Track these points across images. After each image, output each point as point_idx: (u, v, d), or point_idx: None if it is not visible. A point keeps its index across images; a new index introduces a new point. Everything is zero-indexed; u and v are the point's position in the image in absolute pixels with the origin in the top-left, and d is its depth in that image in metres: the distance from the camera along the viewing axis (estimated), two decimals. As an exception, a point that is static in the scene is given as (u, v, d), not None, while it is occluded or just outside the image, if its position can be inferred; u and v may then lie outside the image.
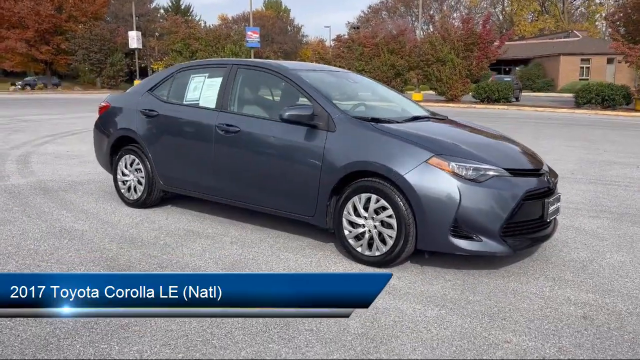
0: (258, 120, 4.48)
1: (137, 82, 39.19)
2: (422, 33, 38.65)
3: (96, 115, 5.91)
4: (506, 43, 30.64)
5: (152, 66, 45.08)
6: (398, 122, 4.16)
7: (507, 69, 48.17)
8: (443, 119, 4.76)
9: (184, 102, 5.04)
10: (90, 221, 4.94)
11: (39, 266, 3.77)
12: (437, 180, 3.54)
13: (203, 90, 4.95)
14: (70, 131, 13.10)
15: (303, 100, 4.36)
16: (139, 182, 5.36)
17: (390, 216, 3.68)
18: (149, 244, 4.33)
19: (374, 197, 3.74)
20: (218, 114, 4.66)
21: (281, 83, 4.67)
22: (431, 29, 36.33)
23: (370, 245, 3.83)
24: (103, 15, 47.16)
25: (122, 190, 5.53)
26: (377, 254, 3.78)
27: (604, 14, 46.20)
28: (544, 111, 24.74)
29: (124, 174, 5.48)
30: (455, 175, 3.54)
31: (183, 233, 4.64)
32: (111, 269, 3.76)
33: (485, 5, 74.58)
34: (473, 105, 27.01)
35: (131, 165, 5.40)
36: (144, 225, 4.87)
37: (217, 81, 4.85)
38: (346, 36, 33.26)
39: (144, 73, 46.34)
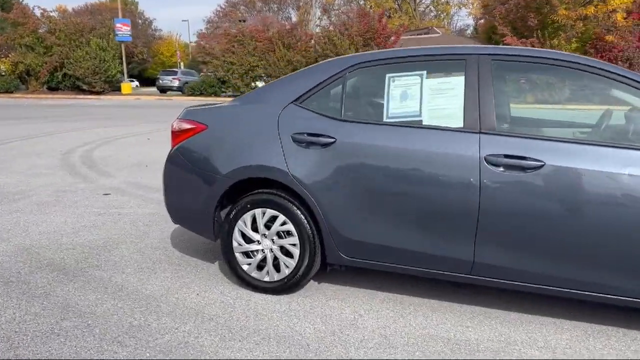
0: (582, 147, 2.67)
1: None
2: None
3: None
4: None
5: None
6: None
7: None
8: None
9: (387, 120, 3.03)
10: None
11: None
12: None
13: (424, 98, 2.99)
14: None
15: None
16: (287, 253, 3.22)
17: None
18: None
19: None
20: (480, 139, 2.77)
21: (595, 82, 2.88)
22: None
23: None
24: None
25: (245, 267, 3.33)
26: None
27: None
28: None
29: (248, 240, 3.29)
30: None
31: None
32: None
33: (341, 3, 75.76)
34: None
35: (268, 226, 3.23)
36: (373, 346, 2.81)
37: (452, 83, 2.95)
38: (234, 30, 30.81)
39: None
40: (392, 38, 27.98)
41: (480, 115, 2.81)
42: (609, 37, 22.52)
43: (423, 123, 2.95)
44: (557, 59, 2.84)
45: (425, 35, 54.31)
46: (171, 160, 3.53)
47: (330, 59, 3.44)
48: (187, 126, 3.46)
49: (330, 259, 3.17)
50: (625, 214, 2.53)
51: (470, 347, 2.68)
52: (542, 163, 2.64)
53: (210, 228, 3.43)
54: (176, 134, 3.52)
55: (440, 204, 2.82)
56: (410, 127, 2.95)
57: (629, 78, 2.68)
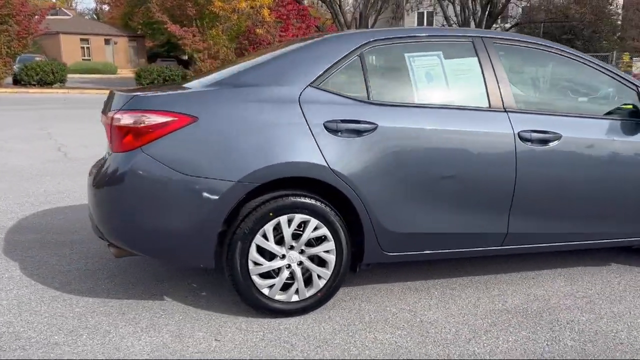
0: (582, 119, 3.12)
1: None
2: None
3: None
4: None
5: None
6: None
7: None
8: None
9: (420, 102, 2.89)
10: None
11: None
12: None
13: (449, 79, 2.97)
14: None
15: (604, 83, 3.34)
16: (321, 262, 2.77)
17: None
18: None
19: None
20: (508, 116, 2.96)
21: (569, 65, 3.29)
22: None
23: None
24: None
25: (267, 291, 2.71)
26: None
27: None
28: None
29: (270, 257, 2.68)
30: None
31: None
32: None
33: None
34: (26, 90, 22.68)
35: (295, 236, 2.69)
36: None
37: (468, 64, 3.03)
38: None
39: None
40: (37, 17, 24.45)
41: (501, 94, 2.96)
42: (259, 31, 24.92)
43: (454, 104, 2.93)
44: (545, 44, 3.21)
45: (55, 17, 49.22)
46: (137, 167, 2.50)
47: (331, 35, 3.01)
48: (162, 119, 2.50)
49: (369, 258, 2.85)
50: (620, 171, 3.11)
51: (547, 314, 2.86)
52: (560, 135, 2.99)
53: (210, 252, 2.61)
54: (138, 131, 2.51)
55: (485, 182, 2.89)
56: (447, 108, 2.88)
57: (596, 64, 3.25)
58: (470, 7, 29.77)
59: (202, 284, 3.14)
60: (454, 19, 30.43)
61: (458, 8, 29.97)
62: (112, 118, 2.57)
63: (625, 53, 27.95)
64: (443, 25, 31.50)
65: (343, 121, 2.67)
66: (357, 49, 2.83)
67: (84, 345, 2.44)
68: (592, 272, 3.45)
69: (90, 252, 3.65)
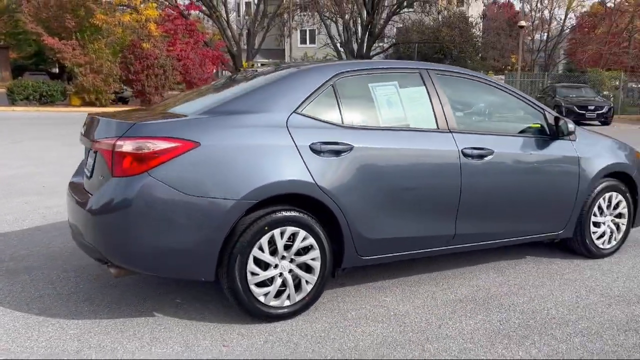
0: (507, 137, 3.77)
1: None
2: None
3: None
4: None
5: None
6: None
7: None
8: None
9: (383, 125, 3.35)
10: None
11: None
12: None
13: (405, 105, 3.47)
14: None
15: (518, 108, 4.03)
16: (308, 268, 3.11)
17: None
18: None
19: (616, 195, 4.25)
20: (452, 136, 3.52)
21: (492, 92, 3.91)
22: None
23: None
24: None
25: (263, 299, 2.98)
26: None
27: None
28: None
29: (265, 267, 2.98)
30: None
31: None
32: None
33: None
34: None
35: (286, 247, 3.02)
36: None
37: (418, 92, 3.54)
38: None
39: None
40: None
41: (446, 118, 3.52)
42: (145, 45, 24.29)
43: (410, 126, 3.42)
44: (473, 75, 3.83)
45: None
46: (145, 190, 2.67)
47: (306, 67, 3.34)
48: (166, 145, 2.71)
49: (347, 263, 3.22)
50: (535, 179, 3.80)
51: (492, 300, 3.42)
52: (493, 151, 3.60)
53: (213, 266, 2.84)
54: (144, 156, 2.68)
55: (438, 191, 3.40)
56: (405, 130, 3.37)
57: (501, 88, 3.93)
58: (352, 27, 31.43)
59: (186, 299, 3.31)
60: (338, 37, 31.92)
61: (341, 28, 31.49)
62: (115, 144, 2.71)
63: (489, 72, 31.14)
64: (327, 44, 32.93)
65: (324, 143, 3.04)
66: (330, 79, 3.22)
67: (98, 363, 2.55)
68: (514, 264, 4.10)
69: (52, 277, 3.64)
